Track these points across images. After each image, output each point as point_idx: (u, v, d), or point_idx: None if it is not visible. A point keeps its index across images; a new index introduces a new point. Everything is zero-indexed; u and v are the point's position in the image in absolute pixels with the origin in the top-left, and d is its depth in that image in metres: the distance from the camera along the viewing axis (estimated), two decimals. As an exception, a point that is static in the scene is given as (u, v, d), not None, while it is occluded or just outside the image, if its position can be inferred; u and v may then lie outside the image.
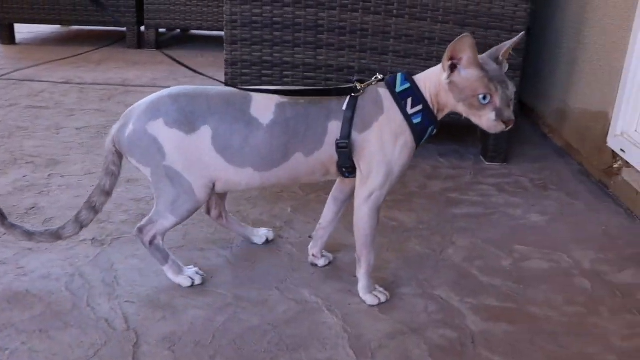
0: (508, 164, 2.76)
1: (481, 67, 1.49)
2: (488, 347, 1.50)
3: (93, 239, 1.90)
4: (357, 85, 1.58)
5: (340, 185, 1.77)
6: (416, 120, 1.56)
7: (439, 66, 1.55)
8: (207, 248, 1.89)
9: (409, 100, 1.56)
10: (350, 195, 1.73)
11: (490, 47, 1.55)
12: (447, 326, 1.58)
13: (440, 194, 2.39)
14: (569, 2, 3.04)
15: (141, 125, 1.55)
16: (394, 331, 1.54)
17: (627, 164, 2.33)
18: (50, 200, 2.14)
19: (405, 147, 1.57)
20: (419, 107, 1.56)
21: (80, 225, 1.68)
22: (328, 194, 2.22)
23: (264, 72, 2.54)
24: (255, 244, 1.92)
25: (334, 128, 1.56)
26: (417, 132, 1.57)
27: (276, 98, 1.58)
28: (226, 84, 2.38)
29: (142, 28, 4.94)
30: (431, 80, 1.57)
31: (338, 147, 1.56)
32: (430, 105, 1.57)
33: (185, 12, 4.80)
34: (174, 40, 5.53)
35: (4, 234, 1.80)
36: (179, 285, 1.68)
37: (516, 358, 1.48)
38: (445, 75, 1.51)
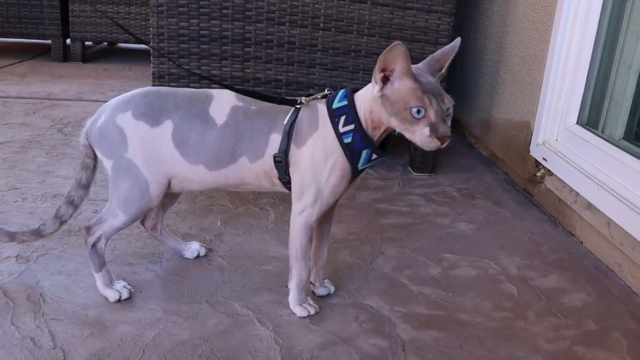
0: (435, 174, 2.81)
1: (415, 78, 1.42)
2: (419, 354, 1.52)
3: (17, 255, 1.84)
4: (302, 99, 1.57)
5: None
6: (346, 140, 1.51)
7: (367, 94, 1.52)
8: (136, 262, 1.85)
9: (342, 119, 1.52)
10: (331, 216, 1.74)
11: (415, 59, 1.50)
12: (378, 335, 1.59)
13: (369, 205, 2.42)
14: (491, 16, 3.12)
15: (111, 117, 1.59)
16: (326, 341, 1.55)
17: (549, 172, 2.40)
18: (-29, 218, 2.07)
19: (335, 168, 1.54)
20: (351, 127, 1.51)
21: (60, 220, 1.69)
22: (258, 206, 2.23)
23: (191, 85, 2.52)
24: (186, 258, 1.90)
25: (275, 141, 1.56)
26: (349, 153, 1.52)
27: (233, 101, 1.60)
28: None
29: (68, 41, 4.85)
30: (365, 96, 1.52)
31: (274, 160, 1.57)
32: (364, 124, 1.52)
33: (112, 25, 4.73)
34: (101, 54, 5.43)
35: None
36: (106, 300, 1.65)
37: (446, 364, 1.50)
38: (377, 88, 1.44)
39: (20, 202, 2.21)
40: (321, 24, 2.51)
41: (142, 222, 1.85)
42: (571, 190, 2.23)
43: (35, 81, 4.13)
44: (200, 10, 2.46)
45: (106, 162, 1.61)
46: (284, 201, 2.33)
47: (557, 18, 2.36)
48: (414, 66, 1.46)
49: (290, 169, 1.57)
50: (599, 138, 2.25)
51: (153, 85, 2.52)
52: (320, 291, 1.76)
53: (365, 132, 1.52)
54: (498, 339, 1.61)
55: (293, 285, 1.66)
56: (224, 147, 1.57)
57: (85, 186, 1.68)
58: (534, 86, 2.58)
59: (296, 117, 1.56)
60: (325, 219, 1.71)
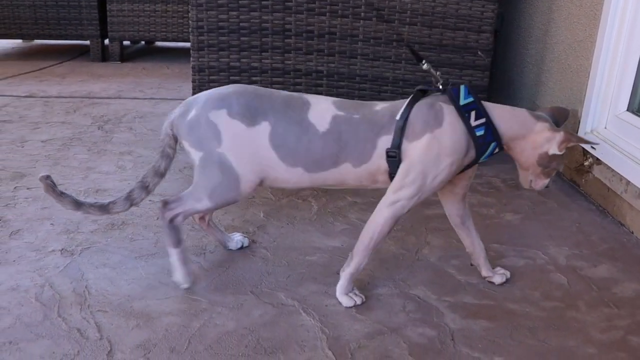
0: (479, 166, 2.75)
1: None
2: (468, 344, 1.49)
3: (62, 249, 1.85)
4: (420, 87, 1.62)
5: (450, 211, 1.77)
6: (479, 133, 1.56)
7: (520, 114, 1.62)
8: (180, 255, 1.84)
9: (472, 114, 1.57)
10: (464, 210, 1.76)
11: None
12: (425, 324, 1.56)
13: (413, 196, 2.37)
14: (535, 3, 3.06)
15: (204, 112, 1.59)
16: (373, 331, 1.52)
17: (598, 161, 2.34)
18: (17, 213, 2.08)
19: (453, 164, 1.57)
20: (482, 120, 1.57)
21: (131, 203, 1.68)
22: (300, 198, 2.21)
23: (232, 77, 2.51)
24: (230, 249, 1.89)
25: (384, 143, 1.57)
26: (479, 145, 1.58)
27: (332, 110, 1.60)
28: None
29: (106, 41, 4.89)
30: (510, 122, 1.60)
31: (388, 155, 1.57)
32: (500, 133, 1.59)
33: (150, 24, 4.75)
34: (139, 53, 5.47)
35: None
36: (151, 292, 1.64)
37: (496, 353, 1.46)
38: (556, 149, 1.57)
39: (63, 197, 2.21)
40: (362, 14, 2.48)
41: None
42: (621, 179, 2.16)
43: (75, 81, 4.17)
44: (240, 2, 2.45)
45: (194, 153, 1.61)
46: (326, 193, 2.31)
47: (607, 1, 2.30)
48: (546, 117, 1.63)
49: (403, 163, 1.58)
50: (651, 125, 2.18)
51: (193, 79, 2.52)
52: (497, 279, 1.78)
53: (496, 128, 1.58)
54: (549, 329, 1.57)
55: (347, 272, 1.63)
56: (326, 154, 1.58)
57: (162, 174, 1.68)
58: (581, 73, 2.51)
59: (409, 113, 1.57)
60: (460, 212, 1.76)
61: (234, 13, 2.46)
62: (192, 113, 1.60)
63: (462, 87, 1.59)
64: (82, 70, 4.52)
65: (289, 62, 2.52)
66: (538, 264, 1.89)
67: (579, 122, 2.47)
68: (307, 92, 2.51)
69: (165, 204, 1.63)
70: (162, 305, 1.59)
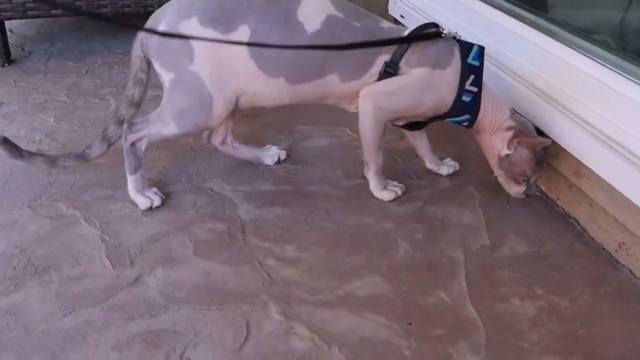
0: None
1: (535, 150, 1.47)
2: (258, 234, 1.42)
3: None
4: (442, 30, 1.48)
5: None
6: (465, 98, 1.47)
7: (503, 107, 1.52)
8: (-50, 176, 1.65)
9: (471, 78, 1.47)
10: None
11: None
12: (216, 219, 1.48)
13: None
14: None
15: (173, 24, 1.38)
16: (158, 233, 1.42)
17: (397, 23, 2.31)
18: None
19: (430, 106, 1.49)
20: (474, 89, 1.47)
21: (108, 142, 1.52)
22: (98, 97, 2.04)
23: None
24: (267, 165, 1.72)
25: (382, 61, 1.44)
26: (457, 108, 1.49)
27: (329, 8, 1.43)
28: None
29: None
30: (492, 109, 1.51)
31: (385, 70, 1.44)
32: (481, 112, 1.49)
33: None
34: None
35: None
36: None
37: (288, 241, 1.40)
38: (505, 150, 1.48)
39: None
40: None
41: (209, 139, 1.67)
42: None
43: None
44: None
45: (165, 75, 1.43)
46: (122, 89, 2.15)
47: None
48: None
49: None
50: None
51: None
52: (444, 170, 1.71)
53: (479, 104, 1.49)
54: (347, 209, 1.53)
55: (371, 173, 1.59)
56: (312, 59, 1.41)
57: (137, 103, 1.51)
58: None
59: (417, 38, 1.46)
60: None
61: None
62: (161, 28, 1.40)
63: (475, 47, 1.48)
64: None
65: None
66: (343, 142, 1.84)
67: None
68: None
69: (130, 126, 1.47)
70: None
